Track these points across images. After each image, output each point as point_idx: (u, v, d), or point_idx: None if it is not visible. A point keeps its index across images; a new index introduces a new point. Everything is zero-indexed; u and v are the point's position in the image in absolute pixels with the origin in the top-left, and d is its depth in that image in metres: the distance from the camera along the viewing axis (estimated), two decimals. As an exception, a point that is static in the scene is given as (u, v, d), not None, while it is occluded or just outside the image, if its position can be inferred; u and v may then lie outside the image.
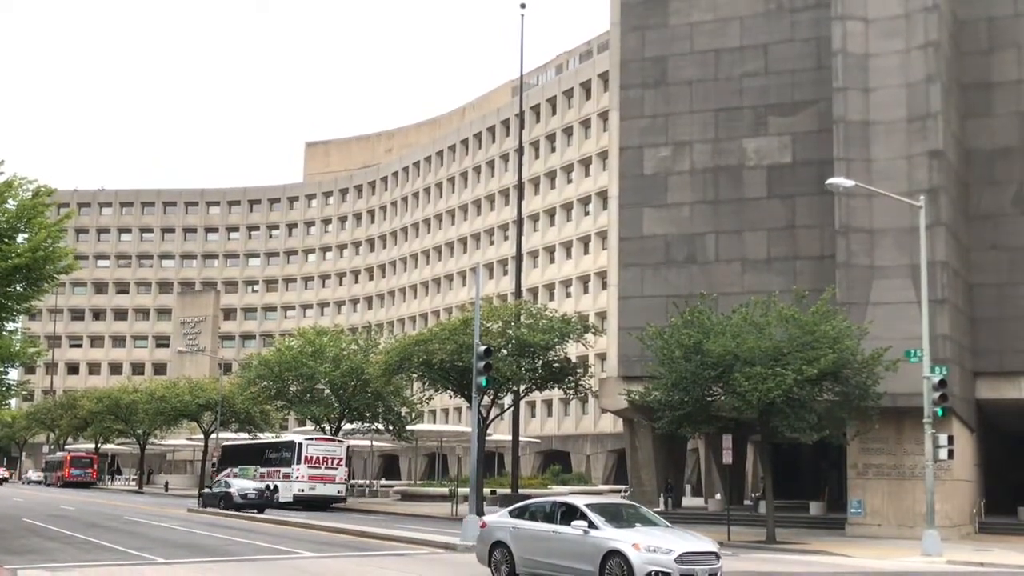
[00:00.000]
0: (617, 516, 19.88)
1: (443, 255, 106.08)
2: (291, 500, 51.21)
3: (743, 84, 41.17)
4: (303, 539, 30.14)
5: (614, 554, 18.24)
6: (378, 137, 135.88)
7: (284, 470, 52.89)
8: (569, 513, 19.71)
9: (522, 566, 20.04)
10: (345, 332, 67.56)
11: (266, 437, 64.79)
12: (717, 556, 18.86)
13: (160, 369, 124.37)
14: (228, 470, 57.14)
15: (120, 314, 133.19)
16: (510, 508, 21.68)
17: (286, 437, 59.87)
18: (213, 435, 73.10)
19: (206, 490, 51.74)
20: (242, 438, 70.53)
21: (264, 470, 54.61)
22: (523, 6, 55.85)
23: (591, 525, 19.05)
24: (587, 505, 19.89)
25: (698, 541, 19.20)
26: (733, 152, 40.98)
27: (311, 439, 54.47)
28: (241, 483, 49.58)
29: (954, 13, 39.03)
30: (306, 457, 52.09)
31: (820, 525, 39.26)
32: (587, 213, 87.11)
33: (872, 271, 36.09)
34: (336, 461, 53.21)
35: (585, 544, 18.86)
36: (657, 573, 17.85)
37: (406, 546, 28.45)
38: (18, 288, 31.16)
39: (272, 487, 51.71)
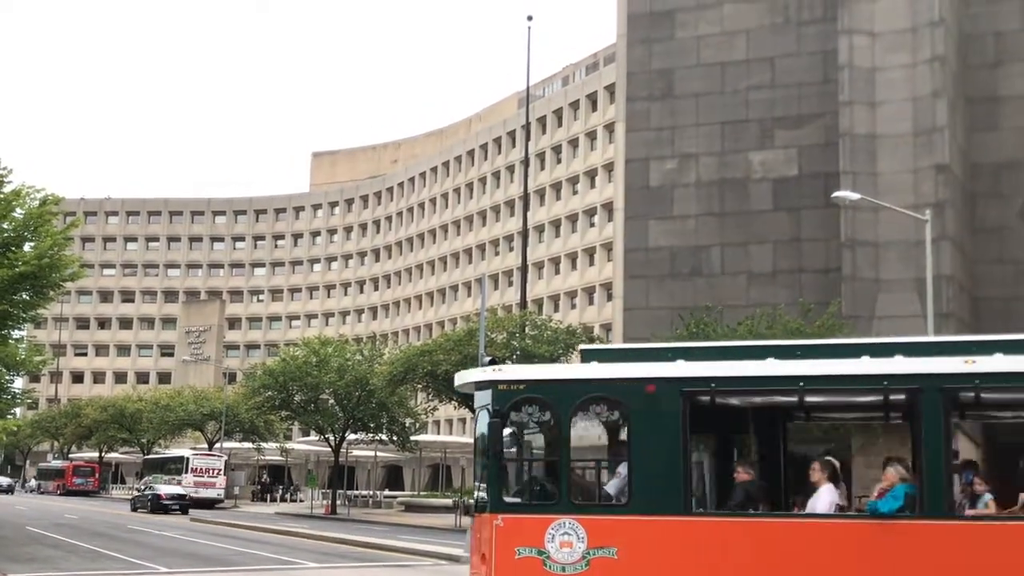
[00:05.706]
0: None
1: (448, 266, 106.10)
2: None
3: (749, 97, 41.21)
4: (306, 549, 30.09)
5: None
6: (384, 147, 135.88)
7: (178, 477, 65.58)
8: None
9: None
10: (350, 342, 67.57)
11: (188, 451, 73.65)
12: None
13: (164, 378, 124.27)
14: (147, 477, 73.13)
15: (125, 323, 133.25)
16: None
17: (179, 453, 72.68)
18: (217, 444, 73.19)
19: None
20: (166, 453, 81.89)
21: (166, 477, 67.66)
22: (530, 18, 56.31)
23: None
24: None
25: None
26: (739, 165, 41.00)
27: (197, 454, 68.02)
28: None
29: (960, 27, 39.08)
30: (193, 468, 65.01)
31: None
32: (592, 225, 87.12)
33: (878, 284, 36.07)
34: (216, 471, 66.09)
35: None
36: None
37: (409, 557, 28.36)
38: (24, 296, 31.23)
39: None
